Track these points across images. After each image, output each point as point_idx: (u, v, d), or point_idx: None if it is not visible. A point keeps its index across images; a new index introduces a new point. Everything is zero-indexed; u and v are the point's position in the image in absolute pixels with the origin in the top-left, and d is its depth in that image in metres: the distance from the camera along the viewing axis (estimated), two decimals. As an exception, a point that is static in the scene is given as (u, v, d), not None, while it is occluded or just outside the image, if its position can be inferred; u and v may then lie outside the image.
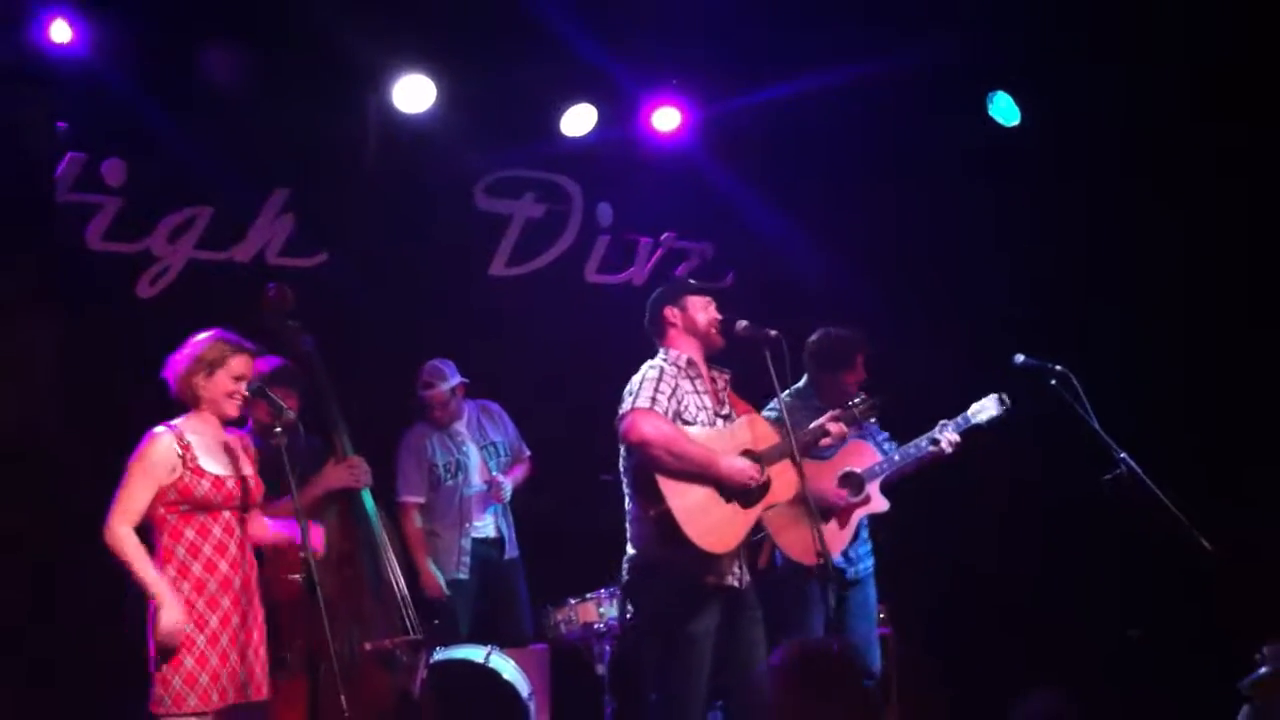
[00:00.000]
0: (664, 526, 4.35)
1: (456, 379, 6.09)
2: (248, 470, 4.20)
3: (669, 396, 4.44)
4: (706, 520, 4.36)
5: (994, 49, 6.51)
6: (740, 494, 4.45)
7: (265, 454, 4.58)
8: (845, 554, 5.18)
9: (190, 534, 4.04)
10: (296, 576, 4.24)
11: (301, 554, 4.20)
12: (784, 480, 4.55)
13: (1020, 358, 5.09)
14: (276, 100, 5.98)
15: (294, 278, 5.79)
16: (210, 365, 4.12)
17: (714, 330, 4.65)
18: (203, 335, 4.18)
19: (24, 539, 5.07)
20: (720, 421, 4.60)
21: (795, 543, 4.73)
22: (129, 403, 4.81)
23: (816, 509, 4.72)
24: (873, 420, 5.22)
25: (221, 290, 5.93)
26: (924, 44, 6.26)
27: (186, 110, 5.89)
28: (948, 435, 5.13)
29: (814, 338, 5.32)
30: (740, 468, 4.43)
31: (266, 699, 4.15)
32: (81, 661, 5.19)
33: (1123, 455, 4.81)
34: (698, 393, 4.58)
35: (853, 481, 5.10)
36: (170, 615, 3.91)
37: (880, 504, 5.14)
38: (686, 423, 4.49)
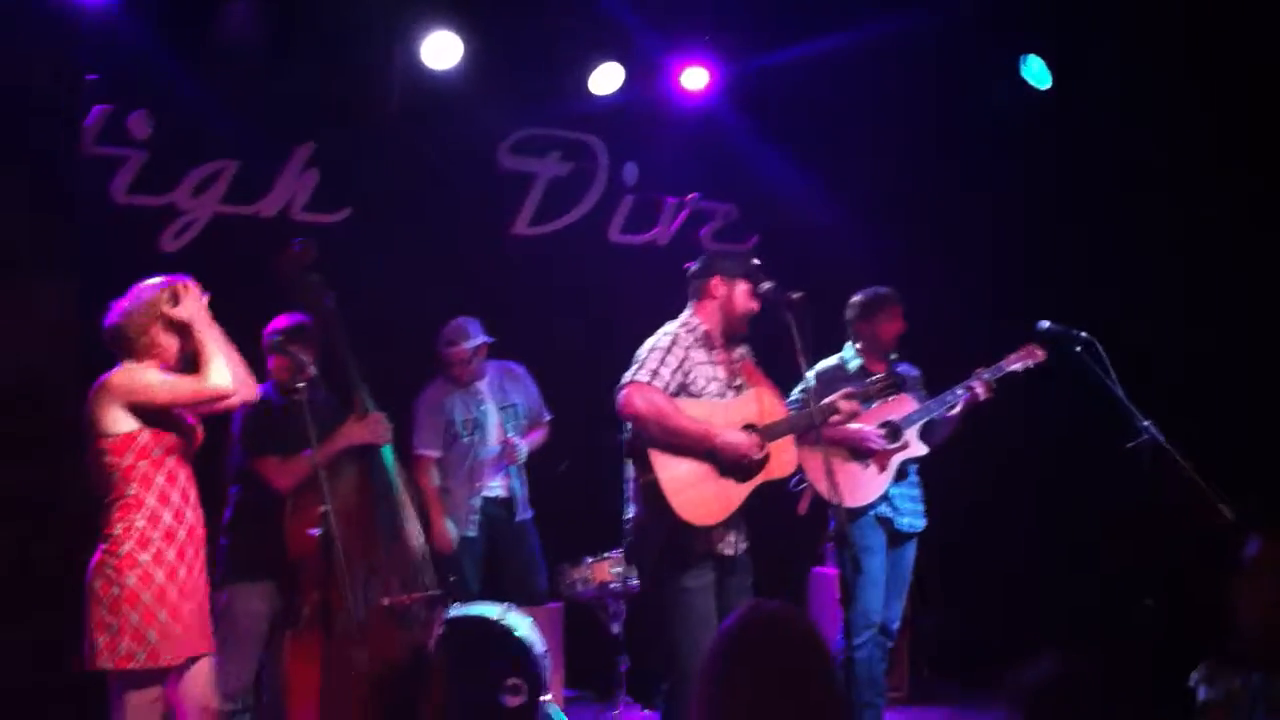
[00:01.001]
0: (651, 495, 4.37)
1: (480, 339, 6.06)
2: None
3: (674, 370, 4.43)
4: (694, 493, 4.36)
5: (1027, 10, 6.42)
6: (736, 469, 4.43)
7: (285, 410, 4.61)
8: (891, 502, 5.28)
9: (160, 480, 3.94)
10: (315, 531, 4.27)
11: (321, 508, 4.23)
12: (783, 457, 4.54)
13: (1045, 324, 5.08)
14: (303, 54, 5.94)
15: (318, 233, 5.79)
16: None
17: (744, 320, 4.62)
18: (155, 282, 4.06)
19: (36, 494, 5.05)
20: (730, 393, 4.57)
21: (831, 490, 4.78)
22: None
23: (856, 454, 5.23)
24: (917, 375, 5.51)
25: (245, 245, 5.94)
26: (956, 4, 6.18)
27: (213, 63, 5.86)
28: (981, 380, 5.25)
29: (856, 295, 5.52)
30: (736, 442, 4.39)
31: (213, 651, 4.10)
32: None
33: (1146, 423, 4.78)
34: (711, 363, 4.55)
35: (890, 429, 5.28)
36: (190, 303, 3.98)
37: (917, 448, 5.33)
38: (694, 394, 4.47)
